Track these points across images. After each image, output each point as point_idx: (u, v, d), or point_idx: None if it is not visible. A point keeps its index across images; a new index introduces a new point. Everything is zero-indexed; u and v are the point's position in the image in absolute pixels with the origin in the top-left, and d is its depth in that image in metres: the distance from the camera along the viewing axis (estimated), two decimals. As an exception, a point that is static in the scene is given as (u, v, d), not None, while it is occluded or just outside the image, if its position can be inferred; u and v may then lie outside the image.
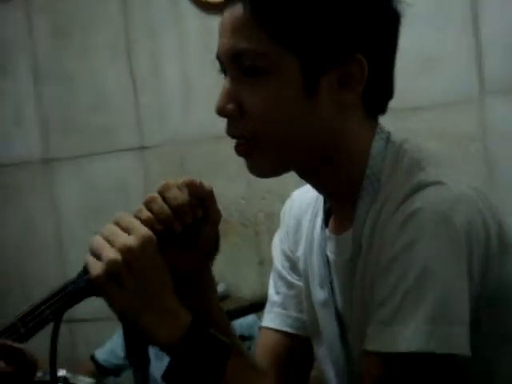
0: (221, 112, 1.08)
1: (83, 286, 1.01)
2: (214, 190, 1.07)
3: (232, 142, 1.17)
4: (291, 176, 1.14)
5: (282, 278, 1.31)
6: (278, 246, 1.35)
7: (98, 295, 1.01)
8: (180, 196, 1.01)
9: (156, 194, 1.01)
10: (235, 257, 2.90)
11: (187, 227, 1.03)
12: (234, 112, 1.08)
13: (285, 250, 1.33)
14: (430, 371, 0.97)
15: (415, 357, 0.94)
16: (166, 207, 0.99)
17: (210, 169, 2.99)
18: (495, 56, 2.60)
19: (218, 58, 1.10)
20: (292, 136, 1.09)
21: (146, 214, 1.00)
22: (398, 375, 0.98)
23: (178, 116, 3.08)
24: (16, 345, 1.31)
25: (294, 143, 1.10)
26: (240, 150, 1.10)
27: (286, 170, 1.15)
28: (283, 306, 1.29)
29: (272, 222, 2.88)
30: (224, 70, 1.09)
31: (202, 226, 1.05)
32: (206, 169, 2.99)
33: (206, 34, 2.91)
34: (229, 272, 2.84)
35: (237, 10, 1.06)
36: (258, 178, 1.16)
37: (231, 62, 1.08)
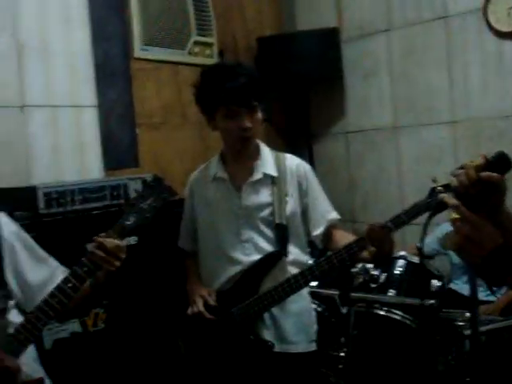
0: None
1: (435, 205, 1.25)
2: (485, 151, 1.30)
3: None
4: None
5: None
6: None
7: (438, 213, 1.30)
8: (471, 175, 1.19)
9: (460, 171, 1.21)
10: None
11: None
12: None
13: None
14: None
15: None
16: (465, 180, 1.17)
17: (495, 136, 3.53)
18: None
19: None
20: None
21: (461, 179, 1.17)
22: None
23: (478, 101, 3.68)
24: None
25: None
26: None
27: None
28: None
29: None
30: None
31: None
32: (494, 136, 3.58)
33: (499, 52, 3.60)
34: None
35: None
36: None
37: None
